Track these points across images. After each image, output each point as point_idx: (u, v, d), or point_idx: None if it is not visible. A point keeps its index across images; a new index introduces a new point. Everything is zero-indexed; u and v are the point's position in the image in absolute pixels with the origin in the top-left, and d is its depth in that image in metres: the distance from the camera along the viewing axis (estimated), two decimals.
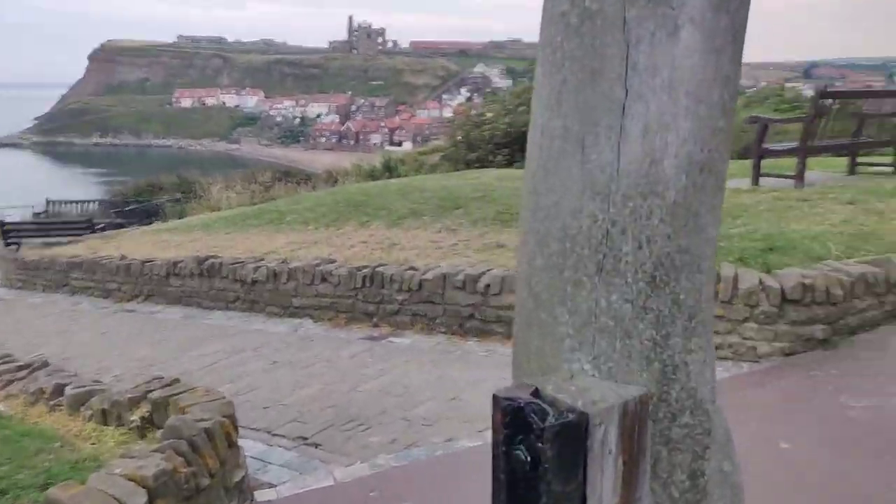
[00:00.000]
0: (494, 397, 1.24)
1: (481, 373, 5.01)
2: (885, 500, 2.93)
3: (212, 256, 8.19)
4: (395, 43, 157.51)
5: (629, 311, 1.27)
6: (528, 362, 1.43)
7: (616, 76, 1.21)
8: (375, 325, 6.37)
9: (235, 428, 3.32)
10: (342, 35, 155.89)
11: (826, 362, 4.14)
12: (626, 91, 1.21)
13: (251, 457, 3.85)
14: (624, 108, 1.21)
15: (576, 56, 1.25)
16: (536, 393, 1.26)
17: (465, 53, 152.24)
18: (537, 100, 1.36)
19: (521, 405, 1.21)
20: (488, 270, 5.84)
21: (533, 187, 1.37)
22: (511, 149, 17.03)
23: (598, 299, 1.29)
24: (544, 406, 1.20)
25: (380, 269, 6.41)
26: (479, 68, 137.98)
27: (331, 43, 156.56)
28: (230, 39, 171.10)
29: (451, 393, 4.64)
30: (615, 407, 1.20)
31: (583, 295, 1.30)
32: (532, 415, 1.20)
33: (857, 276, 4.36)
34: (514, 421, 1.21)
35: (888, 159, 8.86)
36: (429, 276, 6.03)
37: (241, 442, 3.43)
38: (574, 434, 1.16)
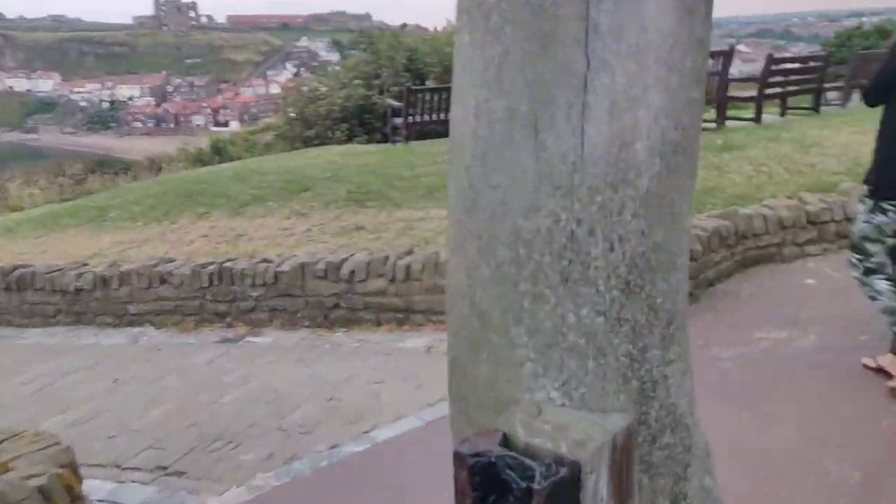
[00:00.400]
0: (458, 454, 0.99)
1: (355, 366, 4.72)
2: (757, 446, 3.05)
3: (21, 266, 7.11)
4: (209, 18, 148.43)
5: (602, 324, 1.07)
6: (475, 394, 1.18)
7: (573, 41, 0.98)
8: (230, 326, 5.84)
9: (77, 476, 2.80)
10: (148, 10, 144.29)
11: (691, 316, 4.29)
12: (588, 60, 0.98)
13: (98, 501, 3.32)
14: (586, 81, 0.99)
15: (520, 19, 1.00)
16: (505, 440, 1.02)
17: (287, 27, 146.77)
18: (466, 76, 1.09)
19: (493, 460, 0.97)
20: (351, 256, 5.51)
21: (469, 183, 1.12)
22: (350, 123, 16.55)
23: (564, 315, 1.07)
24: (523, 459, 0.96)
25: (228, 264, 5.86)
26: (304, 42, 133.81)
27: (136, 18, 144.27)
28: (10, 16, 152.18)
29: (327, 392, 4.32)
30: (605, 445, 0.99)
31: (545, 310, 1.07)
32: (508, 471, 0.96)
33: (711, 231, 4.56)
34: (487, 481, 0.97)
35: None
36: (285, 267, 5.59)
37: (85, 484, 2.91)
38: (566, 491, 0.94)
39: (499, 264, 1.10)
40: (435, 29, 22.16)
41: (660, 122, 1.02)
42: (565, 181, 1.02)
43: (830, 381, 3.62)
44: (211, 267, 5.87)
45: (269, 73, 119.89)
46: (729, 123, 9.44)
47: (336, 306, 5.49)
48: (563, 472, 0.93)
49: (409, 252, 5.50)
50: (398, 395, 4.18)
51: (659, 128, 1.02)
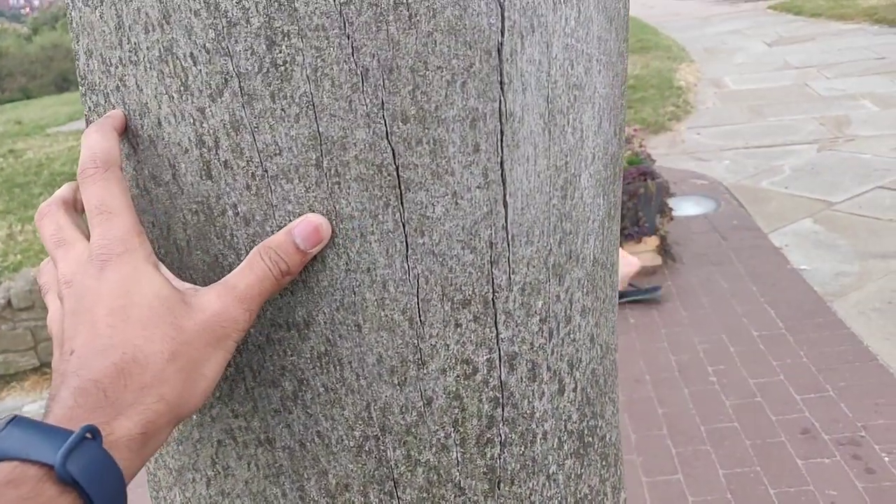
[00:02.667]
0: None
1: None
2: None
3: None
4: None
5: None
6: None
7: None
8: None
9: None
10: None
11: None
12: (501, 6, 0.41)
13: None
14: (501, 58, 0.42)
15: None
16: None
17: None
18: (145, 74, 0.41)
19: None
20: None
21: None
22: None
23: None
24: None
25: None
26: None
27: None
28: None
29: None
30: None
31: None
32: None
33: None
34: None
35: None
36: None
37: None
38: None
39: (334, 493, 0.48)
40: None
41: (603, 128, 0.52)
42: (479, 287, 0.45)
43: None
44: None
45: None
46: None
47: None
48: None
49: None
50: None
51: (602, 139, 0.52)
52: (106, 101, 0.46)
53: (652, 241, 3.87)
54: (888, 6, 11.03)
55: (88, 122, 0.49)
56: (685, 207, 4.68)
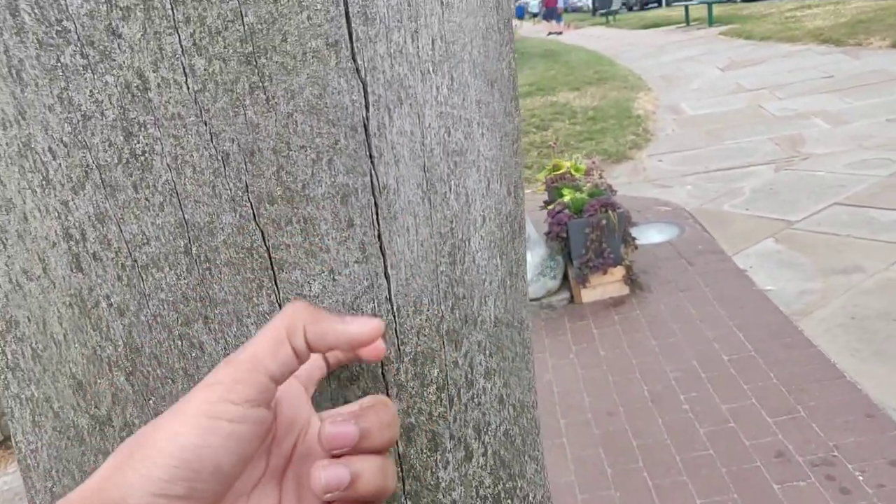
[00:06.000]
0: None
1: None
2: None
3: None
4: None
5: None
6: None
7: (324, 44, 0.40)
8: None
9: None
10: None
11: None
12: (364, 82, 0.41)
13: None
14: (368, 133, 0.42)
15: None
16: None
17: None
18: (7, 169, 0.41)
19: None
20: None
21: (90, 420, 0.44)
22: None
23: None
24: None
25: None
26: None
27: None
28: None
29: None
30: None
31: None
32: None
33: None
34: None
35: None
36: None
37: None
38: None
39: None
40: None
41: (493, 189, 0.52)
42: (367, 363, 0.44)
43: None
44: None
45: None
46: None
47: None
48: None
49: None
50: None
51: (493, 199, 0.52)
52: (21, 196, 0.45)
53: (618, 272, 3.89)
54: (833, 27, 11.42)
55: None
56: (650, 235, 4.73)
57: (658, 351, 3.43)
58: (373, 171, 0.42)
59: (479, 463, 0.52)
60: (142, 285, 0.42)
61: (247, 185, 0.40)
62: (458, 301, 0.49)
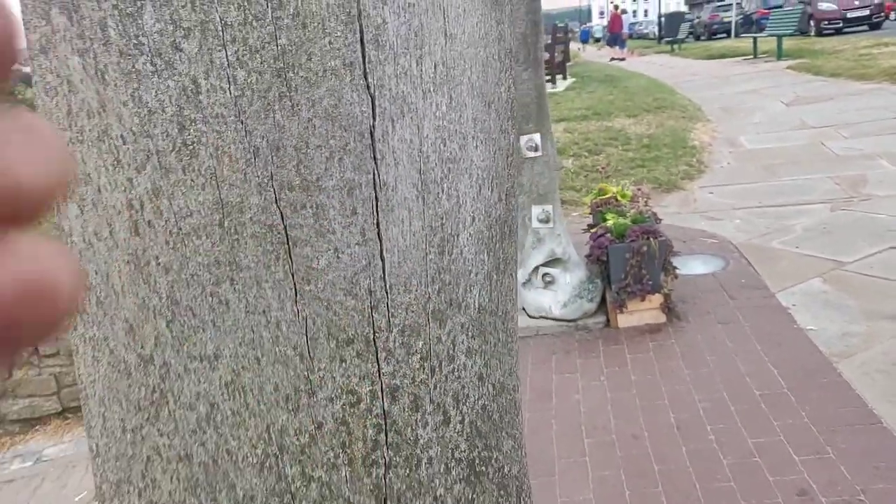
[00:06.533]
0: None
1: None
2: None
3: None
4: None
5: None
6: None
7: (341, 64, 0.49)
8: None
9: None
10: None
11: None
12: (372, 97, 0.51)
13: None
14: (373, 139, 0.51)
15: (216, 21, 0.47)
16: None
17: None
18: (85, 146, 0.52)
19: None
20: None
21: (138, 358, 0.54)
22: None
23: None
24: None
25: None
26: None
27: None
28: None
29: None
30: None
31: None
32: None
33: None
34: None
35: None
36: None
37: None
38: None
39: (241, 503, 0.56)
40: None
41: (483, 195, 0.60)
42: (361, 328, 0.54)
43: None
44: None
45: None
46: None
47: None
48: None
49: None
50: None
51: (483, 203, 0.60)
52: (97, 173, 0.56)
53: (656, 299, 3.90)
54: None
55: None
56: (693, 266, 4.72)
57: (689, 380, 3.42)
58: (375, 170, 0.52)
59: (455, 429, 0.61)
60: (184, 249, 0.52)
61: (272, 175, 0.50)
62: (445, 286, 0.58)
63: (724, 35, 29.25)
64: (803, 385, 3.30)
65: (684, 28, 28.43)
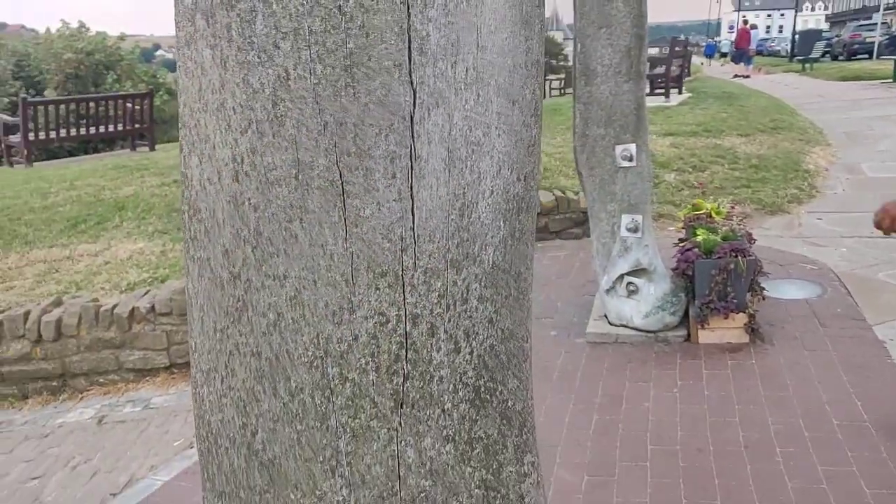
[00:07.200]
0: None
1: None
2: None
3: None
4: None
5: (452, 454, 0.77)
6: None
7: (392, 65, 0.66)
8: None
9: None
10: None
11: None
12: (414, 91, 0.67)
13: None
14: (412, 123, 0.68)
15: (305, 29, 0.65)
16: None
17: None
18: (211, 114, 0.71)
19: None
20: None
21: (232, 274, 0.73)
22: None
23: (402, 452, 0.75)
24: None
25: None
26: None
27: None
28: None
29: None
30: None
31: (373, 451, 0.74)
32: None
33: None
34: None
35: None
36: None
37: None
38: None
39: (294, 392, 0.73)
40: (48, 30, 19.16)
41: (503, 174, 0.76)
42: (392, 265, 0.70)
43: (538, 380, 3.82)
44: None
45: None
46: None
47: None
48: None
49: (58, 303, 4.50)
50: (68, 489, 3.33)
51: (502, 181, 0.76)
52: (214, 134, 0.75)
53: (740, 319, 3.86)
54: None
55: (182, 147, 0.79)
56: (787, 290, 4.60)
57: (765, 401, 3.39)
58: (412, 146, 0.68)
59: (465, 358, 0.76)
60: (268, 194, 0.70)
61: (335, 143, 0.67)
62: (462, 242, 0.73)
63: (866, 56, 27.47)
64: (889, 421, 3.20)
65: (818, 47, 26.95)
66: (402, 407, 0.73)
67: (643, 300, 4.05)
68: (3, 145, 10.50)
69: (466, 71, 0.70)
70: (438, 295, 0.73)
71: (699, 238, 3.96)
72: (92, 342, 4.35)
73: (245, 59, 0.67)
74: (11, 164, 10.09)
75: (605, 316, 4.26)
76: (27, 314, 4.34)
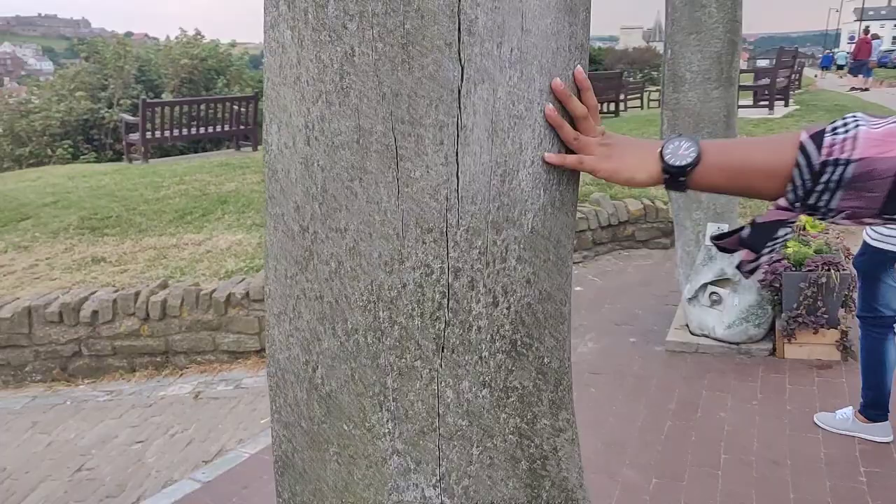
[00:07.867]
0: None
1: (107, 425, 4.00)
2: None
3: None
4: None
5: (487, 398, 0.85)
6: (320, 502, 0.91)
7: (444, 44, 0.75)
8: None
9: None
10: None
11: None
12: (462, 68, 0.76)
13: None
14: (460, 96, 0.77)
15: (369, 12, 0.75)
16: None
17: None
18: (290, 87, 0.82)
19: None
20: (92, 294, 4.71)
21: (302, 227, 0.84)
22: (73, 140, 14.63)
23: (441, 392, 0.83)
24: None
25: None
26: (6, 48, 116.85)
27: None
28: None
29: (74, 463, 3.59)
30: None
31: (416, 389, 0.83)
32: None
33: None
34: None
35: None
36: (4, 312, 4.62)
37: None
38: None
39: (350, 333, 0.83)
40: (168, 38, 20.54)
41: (544, 146, 0.83)
42: (438, 222, 0.79)
43: (611, 384, 3.82)
44: None
45: None
46: None
47: (76, 354, 4.66)
48: None
49: (164, 285, 4.86)
50: (166, 455, 3.61)
51: (543, 152, 0.83)
52: (290, 104, 0.87)
53: (831, 335, 3.71)
54: None
55: (265, 117, 0.90)
56: None
57: None
58: (459, 116, 0.77)
59: (502, 312, 0.84)
60: (334, 156, 0.80)
61: (391, 112, 0.77)
62: (503, 206, 0.81)
63: None
64: None
65: None
66: (443, 351, 0.82)
67: (726, 311, 3.96)
68: (124, 143, 11.35)
69: (511, 51, 0.78)
70: (479, 252, 0.81)
71: (789, 250, 3.85)
72: (192, 323, 4.67)
73: (318, 38, 0.78)
74: (130, 161, 10.89)
75: (687, 325, 4.19)
76: (137, 294, 4.71)
